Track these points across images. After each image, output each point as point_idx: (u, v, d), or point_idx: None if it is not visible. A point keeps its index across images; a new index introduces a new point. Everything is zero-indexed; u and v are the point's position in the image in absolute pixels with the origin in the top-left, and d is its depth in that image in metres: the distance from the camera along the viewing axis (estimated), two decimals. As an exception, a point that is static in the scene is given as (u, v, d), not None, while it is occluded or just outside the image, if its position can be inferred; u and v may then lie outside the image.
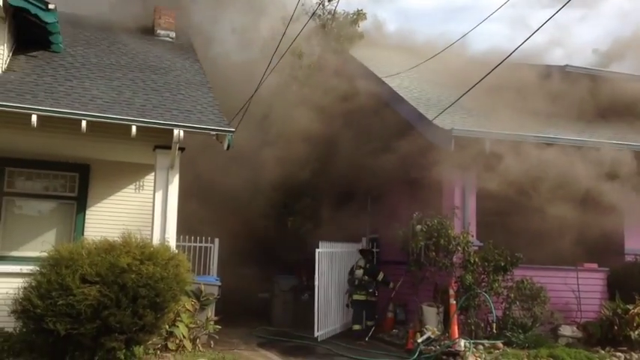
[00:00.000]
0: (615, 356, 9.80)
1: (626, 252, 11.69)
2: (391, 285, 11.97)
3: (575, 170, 10.80)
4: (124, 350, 7.73)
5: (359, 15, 16.25)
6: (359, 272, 11.91)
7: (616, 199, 11.34)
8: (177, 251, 8.71)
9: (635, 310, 10.21)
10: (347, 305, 12.10)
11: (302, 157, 14.62)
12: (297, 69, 13.15)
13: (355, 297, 11.82)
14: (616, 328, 10.23)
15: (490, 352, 9.47)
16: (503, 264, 10.27)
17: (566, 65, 13.28)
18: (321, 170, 14.60)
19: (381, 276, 11.95)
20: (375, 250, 13.53)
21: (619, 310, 10.36)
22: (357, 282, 11.85)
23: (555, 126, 12.07)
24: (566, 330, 10.52)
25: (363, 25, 16.45)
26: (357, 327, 11.71)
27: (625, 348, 10.06)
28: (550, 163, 10.71)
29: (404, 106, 12.06)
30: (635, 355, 9.89)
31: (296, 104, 13.58)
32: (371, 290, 11.85)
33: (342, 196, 14.11)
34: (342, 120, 12.92)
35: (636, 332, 10.10)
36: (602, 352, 9.96)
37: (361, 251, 12.52)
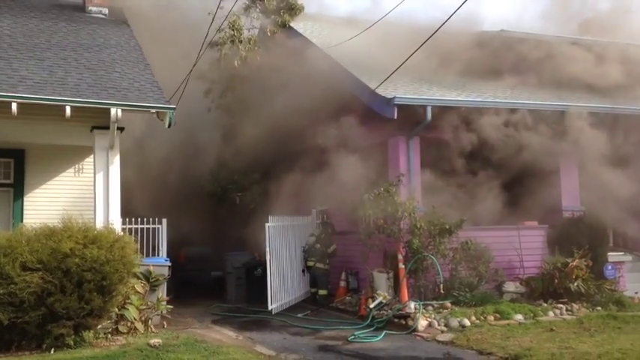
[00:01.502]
0: (557, 307, 10.26)
1: (563, 209, 12.17)
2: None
3: (513, 133, 11.13)
4: (73, 336, 7.62)
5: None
6: (311, 240, 12.52)
7: (553, 159, 11.78)
8: (122, 233, 8.56)
9: (574, 264, 10.67)
10: (302, 271, 12.62)
11: (247, 132, 14.49)
12: (237, 43, 12.91)
13: (308, 264, 12.39)
14: (556, 281, 10.67)
15: (439, 312, 9.77)
16: (448, 227, 10.51)
17: (502, 30, 13.56)
18: (268, 145, 14.51)
19: (332, 249, 12.31)
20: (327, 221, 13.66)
21: (559, 264, 10.81)
22: (306, 248, 12.47)
23: (494, 90, 12.37)
24: (510, 286, 10.90)
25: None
26: (313, 290, 12.49)
27: (565, 299, 10.54)
28: (490, 127, 11.00)
29: (346, 76, 12.06)
30: (575, 306, 10.39)
31: (239, 79, 13.38)
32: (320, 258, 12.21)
33: (290, 169, 14.09)
34: (286, 93, 12.82)
35: (575, 284, 10.57)
36: (545, 304, 10.41)
37: (322, 223, 13.12)
